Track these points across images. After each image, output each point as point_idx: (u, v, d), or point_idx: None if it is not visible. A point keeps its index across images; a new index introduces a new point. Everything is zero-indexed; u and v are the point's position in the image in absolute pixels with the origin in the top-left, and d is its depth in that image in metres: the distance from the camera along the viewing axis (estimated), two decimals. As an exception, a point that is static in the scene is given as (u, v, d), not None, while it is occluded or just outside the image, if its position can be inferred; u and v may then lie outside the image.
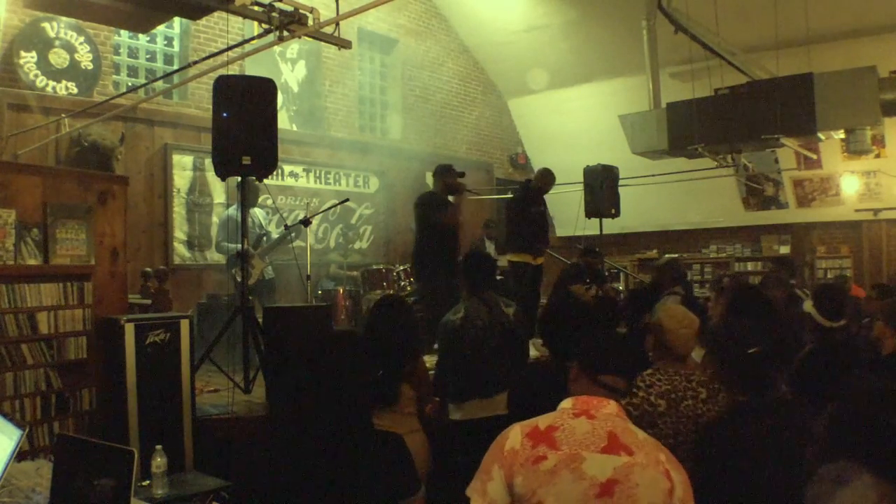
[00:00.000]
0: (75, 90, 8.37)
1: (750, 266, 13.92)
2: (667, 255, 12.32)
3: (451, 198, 7.05)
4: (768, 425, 2.54)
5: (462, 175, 7.07)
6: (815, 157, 11.58)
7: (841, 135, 8.28)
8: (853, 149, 8.23)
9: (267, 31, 5.62)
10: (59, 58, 8.24)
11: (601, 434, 2.15)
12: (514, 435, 2.20)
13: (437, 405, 4.25)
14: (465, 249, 7.09)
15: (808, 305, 4.41)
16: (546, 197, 8.24)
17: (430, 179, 12.56)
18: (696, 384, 3.14)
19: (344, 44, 6.11)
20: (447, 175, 7.07)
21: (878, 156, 11.55)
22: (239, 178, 6.14)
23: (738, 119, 8.16)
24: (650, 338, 3.49)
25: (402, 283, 8.45)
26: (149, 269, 7.97)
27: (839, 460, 1.84)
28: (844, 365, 3.68)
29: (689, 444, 2.94)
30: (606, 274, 10.71)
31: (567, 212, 12.89)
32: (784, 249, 13.50)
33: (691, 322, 3.32)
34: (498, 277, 6.77)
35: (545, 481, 2.09)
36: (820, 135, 8.05)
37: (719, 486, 2.51)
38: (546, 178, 8.03)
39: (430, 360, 5.97)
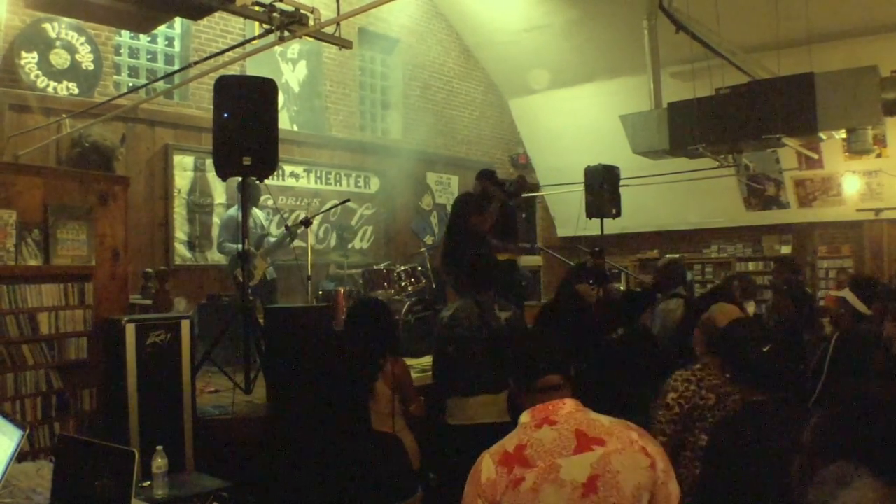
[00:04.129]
0: (76, 91, 8.36)
1: (751, 266, 13.89)
2: (668, 256, 12.30)
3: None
4: (785, 423, 2.53)
5: (503, 184, 7.04)
6: (816, 156, 11.57)
7: (842, 134, 8.26)
8: (855, 148, 8.21)
9: (268, 32, 5.62)
10: (60, 58, 8.24)
11: (568, 436, 2.16)
12: (487, 465, 2.19)
13: (423, 404, 4.25)
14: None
15: (846, 293, 4.44)
16: (547, 197, 8.25)
17: (430, 179, 12.63)
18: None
19: (345, 44, 6.12)
20: (487, 180, 7.04)
21: (879, 155, 11.52)
22: (240, 179, 6.14)
23: (740, 119, 8.14)
24: (699, 334, 3.52)
25: (404, 284, 8.44)
26: (150, 270, 7.97)
27: (838, 461, 1.84)
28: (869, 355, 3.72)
29: None
30: (608, 274, 10.71)
31: (568, 212, 12.91)
32: (785, 249, 13.47)
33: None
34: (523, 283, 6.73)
35: (530, 500, 2.10)
36: (821, 134, 8.03)
37: (734, 485, 2.50)
38: (522, 187, 8.04)
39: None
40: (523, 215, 7.98)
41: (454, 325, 4.61)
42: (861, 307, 4.89)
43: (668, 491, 2.18)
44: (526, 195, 13.89)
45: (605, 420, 2.24)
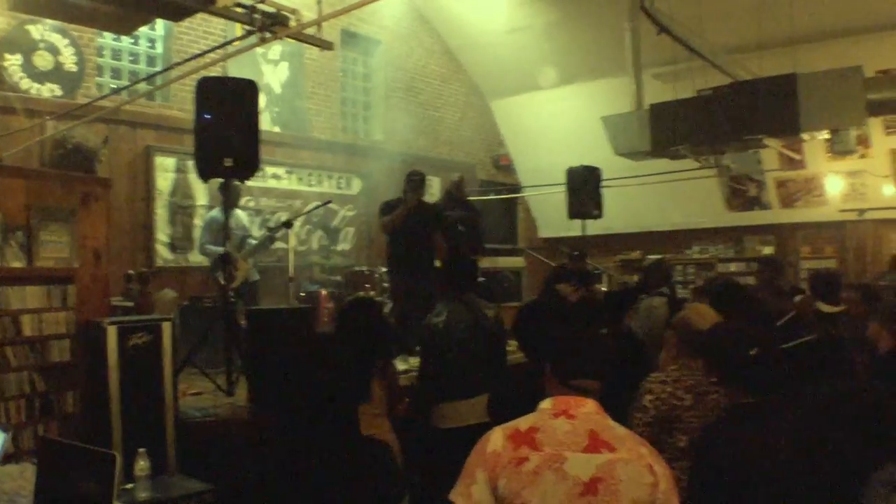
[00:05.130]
0: (59, 92, 8.33)
1: (733, 267, 13.96)
2: (652, 256, 12.36)
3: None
4: (774, 425, 2.55)
5: (420, 185, 7.04)
6: (798, 157, 11.63)
7: (825, 135, 8.30)
8: (838, 149, 8.27)
9: (249, 33, 5.59)
10: (43, 60, 8.20)
11: (582, 433, 2.17)
12: (496, 437, 2.21)
13: (408, 405, 4.25)
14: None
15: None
16: (529, 198, 8.30)
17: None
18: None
19: (326, 45, 6.11)
20: (405, 182, 7.13)
21: (862, 156, 11.61)
22: (221, 180, 6.12)
23: (721, 120, 8.17)
24: (671, 334, 3.52)
25: (386, 285, 8.44)
26: (132, 272, 7.92)
27: (889, 465, 1.84)
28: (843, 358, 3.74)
29: None
30: (591, 275, 10.75)
31: (550, 213, 12.96)
32: (767, 250, 13.54)
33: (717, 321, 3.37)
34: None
35: (528, 482, 2.11)
36: (804, 135, 8.08)
37: (719, 488, 2.51)
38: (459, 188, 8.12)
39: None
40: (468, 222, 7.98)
41: (451, 329, 4.56)
42: (822, 306, 4.91)
43: None
44: (508, 196, 14.00)
45: (620, 429, 2.26)
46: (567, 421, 2.20)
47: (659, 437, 3.18)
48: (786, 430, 2.49)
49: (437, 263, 6.89)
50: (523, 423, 2.23)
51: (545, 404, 2.28)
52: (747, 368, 2.70)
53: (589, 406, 2.26)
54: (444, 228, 7.25)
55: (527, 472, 2.11)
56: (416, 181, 6.98)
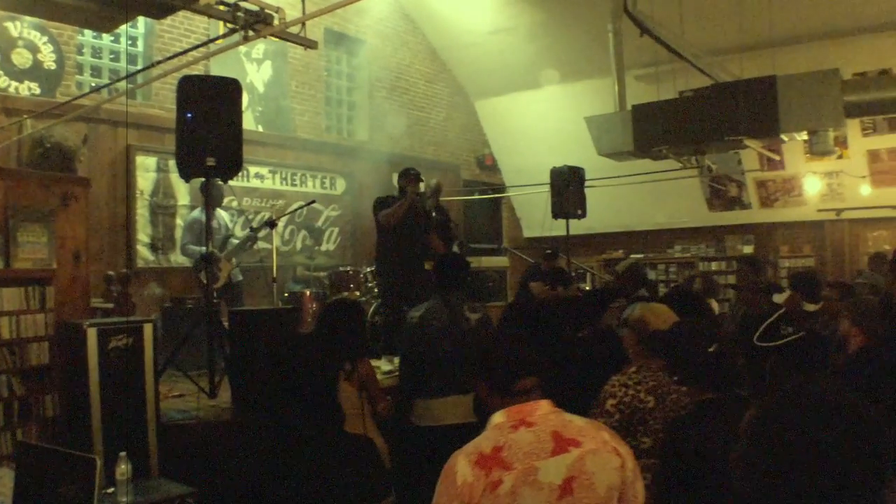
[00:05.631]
0: (38, 91, 8.24)
1: (714, 266, 14.07)
2: (629, 258, 12.42)
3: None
4: (738, 420, 2.56)
5: (418, 179, 7.02)
6: (778, 158, 11.74)
7: (804, 136, 8.38)
8: (816, 150, 8.33)
9: (232, 31, 5.57)
10: (21, 58, 8.11)
11: (546, 439, 2.15)
12: (462, 467, 2.13)
13: (390, 404, 4.24)
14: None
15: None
16: (513, 198, 8.31)
17: (397, 181, 12.59)
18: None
19: (310, 44, 6.09)
20: (402, 178, 7.09)
21: (840, 157, 11.73)
22: (203, 180, 6.08)
23: (703, 121, 8.24)
24: (630, 334, 3.50)
25: (370, 285, 8.42)
26: (112, 273, 7.86)
27: None
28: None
29: None
30: (573, 275, 10.78)
31: (534, 213, 12.97)
32: (748, 249, 13.65)
33: (674, 320, 3.36)
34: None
35: (508, 503, 2.09)
36: (783, 136, 8.15)
37: (688, 485, 2.52)
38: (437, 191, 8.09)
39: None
40: (447, 223, 7.96)
41: (424, 324, 4.60)
42: (805, 304, 4.96)
43: (635, 490, 2.20)
44: (492, 196, 14.03)
45: (578, 421, 2.25)
46: (528, 430, 2.17)
47: (624, 441, 3.17)
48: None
49: (428, 264, 6.86)
50: (485, 444, 2.17)
51: (499, 418, 2.23)
52: (707, 365, 2.71)
53: (543, 407, 2.24)
54: (437, 227, 7.24)
55: (504, 494, 2.08)
56: (413, 176, 6.95)
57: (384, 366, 6.12)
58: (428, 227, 7.07)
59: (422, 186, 6.90)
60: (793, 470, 1.37)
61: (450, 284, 4.80)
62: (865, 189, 12.06)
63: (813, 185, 12.17)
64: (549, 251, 9.54)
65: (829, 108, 7.81)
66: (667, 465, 2.70)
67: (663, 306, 3.67)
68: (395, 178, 12.42)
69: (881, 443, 1.36)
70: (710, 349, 2.72)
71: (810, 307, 5.65)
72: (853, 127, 11.29)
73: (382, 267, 7.25)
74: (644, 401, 3.18)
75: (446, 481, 2.15)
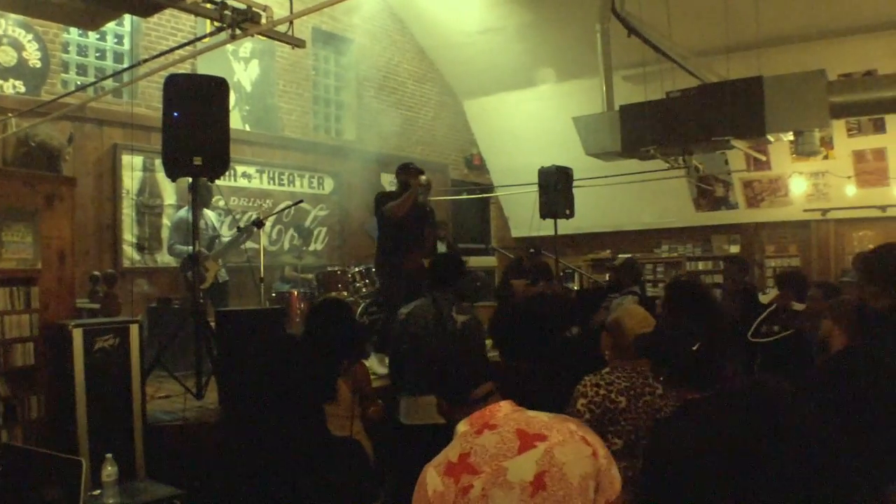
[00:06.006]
0: (23, 89, 8.18)
1: (701, 265, 14.14)
2: (622, 255, 12.45)
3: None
4: (722, 421, 2.56)
5: (420, 172, 6.98)
6: (764, 158, 11.81)
7: (790, 137, 8.43)
8: (802, 150, 8.38)
9: (219, 30, 5.51)
10: (6, 56, 8.05)
11: (510, 437, 2.15)
12: (432, 478, 2.14)
13: (381, 407, 4.23)
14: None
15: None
16: (501, 198, 8.28)
17: (385, 180, 12.58)
18: (652, 380, 3.17)
19: (298, 43, 6.05)
20: (403, 173, 7.00)
21: (826, 157, 11.84)
22: (190, 179, 6.05)
23: (690, 121, 8.27)
24: (607, 337, 3.52)
25: (358, 285, 8.40)
26: (97, 273, 7.81)
27: None
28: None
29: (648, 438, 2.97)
30: (562, 274, 10.81)
31: (522, 212, 12.98)
32: (734, 249, 13.73)
33: (650, 323, 3.36)
34: None
35: None
36: (769, 137, 8.19)
37: (671, 486, 2.52)
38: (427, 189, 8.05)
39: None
40: (433, 221, 7.93)
41: (410, 322, 4.63)
42: (795, 305, 4.99)
43: (611, 476, 2.19)
44: (481, 196, 14.04)
45: (543, 416, 2.24)
46: (492, 433, 2.17)
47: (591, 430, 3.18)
48: (741, 424, 2.51)
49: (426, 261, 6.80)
50: (451, 452, 2.18)
51: (462, 427, 2.24)
52: (691, 365, 2.71)
53: (504, 408, 2.24)
54: (433, 224, 7.20)
55: (475, 498, 2.08)
56: (415, 170, 6.90)
57: (380, 368, 6.07)
58: (427, 221, 7.02)
59: (422, 179, 6.83)
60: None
61: (442, 284, 4.80)
62: (851, 189, 12.15)
63: (799, 185, 12.25)
64: (532, 249, 9.55)
65: (814, 108, 7.86)
66: (650, 465, 2.70)
67: (639, 308, 3.68)
68: (383, 177, 12.47)
69: None
70: (694, 348, 2.72)
71: (797, 306, 5.69)
72: (839, 127, 11.37)
73: (382, 265, 7.01)
74: (615, 401, 3.18)
75: (418, 495, 2.16)
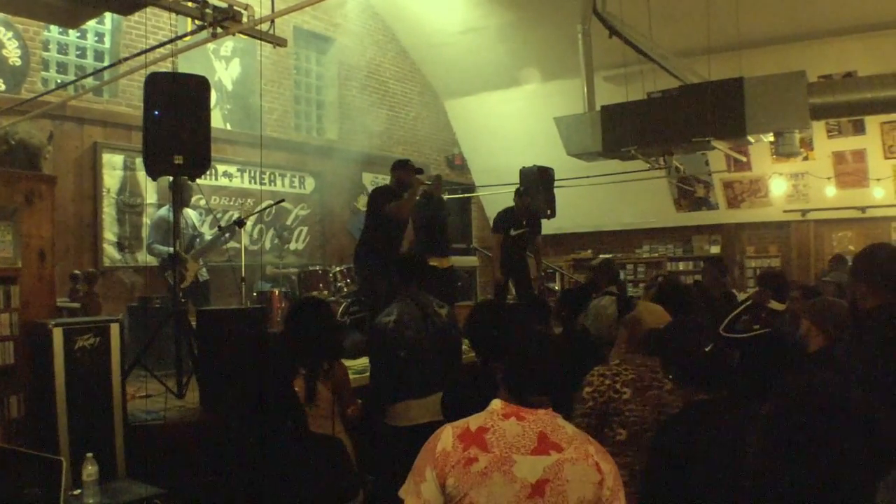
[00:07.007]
0: (2, 87, 8.11)
1: (682, 266, 14.24)
2: (602, 256, 12.52)
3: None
4: (731, 422, 2.57)
5: (419, 171, 6.98)
6: (744, 159, 11.89)
7: (770, 138, 8.50)
8: (782, 151, 8.45)
9: (200, 28, 5.51)
10: (-16, 53, 7.99)
11: (531, 436, 2.18)
12: (446, 437, 2.21)
13: (360, 407, 4.22)
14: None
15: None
16: (482, 197, 8.29)
17: (366, 180, 12.58)
18: (661, 375, 3.21)
19: (279, 42, 6.05)
20: (401, 170, 6.97)
21: (806, 158, 11.94)
22: (171, 178, 6.03)
23: (670, 122, 8.31)
24: (623, 331, 3.60)
25: (340, 285, 8.40)
26: (78, 272, 7.76)
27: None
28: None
29: (654, 432, 3.00)
30: (543, 274, 10.84)
31: (504, 213, 12.99)
32: (714, 249, 13.84)
33: (667, 321, 3.41)
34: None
35: (476, 483, 2.12)
36: (750, 138, 8.25)
37: (676, 485, 2.54)
38: (438, 187, 8.04)
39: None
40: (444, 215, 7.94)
41: (401, 329, 4.56)
42: (773, 303, 5.04)
43: None
44: (461, 196, 14.04)
45: (570, 428, 2.27)
46: (517, 423, 2.20)
47: (598, 430, 3.22)
48: (754, 425, 2.52)
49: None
50: (473, 422, 2.23)
51: (496, 405, 2.28)
52: (702, 366, 2.72)
53: (539, 410, 2.27)
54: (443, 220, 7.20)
55: (475, 472, 2.12)
56: (413, 167, 6.89)
57: (355, 365, 6.07)
58: (441, 219, 6.98)
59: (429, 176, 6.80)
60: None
61: (416, 282, 4.80)
62: (830, 190, 12.27)
63: (779, 186, 12.35)
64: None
65: (795, 109, 7.92)
66: (655, 463, 2.71)
67: (658, 306, 3.74)
68: (364, 177, 12.47)
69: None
70: (707, 349, 2.73)
71: (777, 306, 5.74)
72: (818, 129, 11.48)
73: (369, 259, 6.84)
74: (619, 391, 3.26)
75: (428, 446, 2.23)
